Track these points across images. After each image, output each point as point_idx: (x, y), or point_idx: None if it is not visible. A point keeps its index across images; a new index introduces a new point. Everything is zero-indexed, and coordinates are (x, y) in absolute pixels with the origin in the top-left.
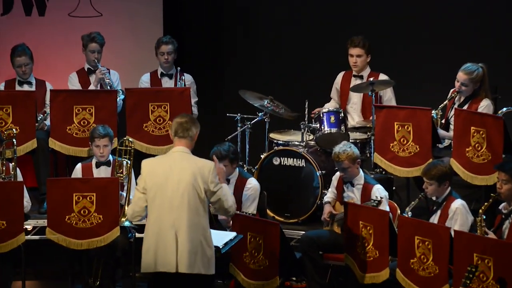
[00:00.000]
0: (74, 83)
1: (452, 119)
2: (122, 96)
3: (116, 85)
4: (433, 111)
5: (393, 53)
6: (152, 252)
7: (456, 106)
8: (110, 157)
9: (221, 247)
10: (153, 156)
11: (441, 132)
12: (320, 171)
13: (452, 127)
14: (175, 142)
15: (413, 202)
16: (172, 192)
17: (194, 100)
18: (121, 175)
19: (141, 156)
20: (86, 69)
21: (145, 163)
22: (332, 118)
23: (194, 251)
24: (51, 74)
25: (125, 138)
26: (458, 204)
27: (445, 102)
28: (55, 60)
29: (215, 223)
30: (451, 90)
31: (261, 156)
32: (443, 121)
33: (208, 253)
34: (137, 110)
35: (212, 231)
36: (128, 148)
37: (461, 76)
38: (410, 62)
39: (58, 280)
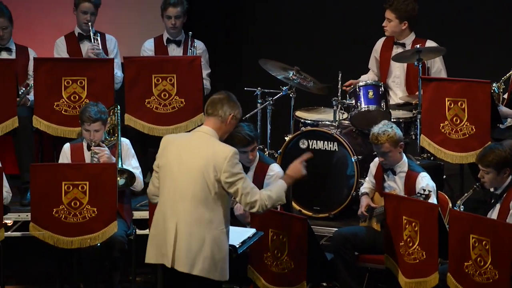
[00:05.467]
0: (61, 51)
1: None
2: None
3: (114, 54)
4: (493, 84)
5: (442, 14)
6: (154, 241)
7: None
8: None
9: (237, 246)
10: (157, 138)
11: (503, 109)
12: (355, 157)
13: None
14: (204, 121)
15: (466, 194)
16: (180, 177)
17: (206, 72)
18: (111, 139)
19: (142, 138)
20: (76, 34)
21: (164, 139)
22: (371, 93)
23: (194, 249)
24: (34, 39)
25: (110, 108)
26: None
27: (509, 73)
28: (40, 22)
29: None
30: None
31: (286, 138)
32: (505, 96)
33: (215, 255)
34: (138, 83)
35: None
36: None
37: None
38: (464, 25)
39: (44, 284)
